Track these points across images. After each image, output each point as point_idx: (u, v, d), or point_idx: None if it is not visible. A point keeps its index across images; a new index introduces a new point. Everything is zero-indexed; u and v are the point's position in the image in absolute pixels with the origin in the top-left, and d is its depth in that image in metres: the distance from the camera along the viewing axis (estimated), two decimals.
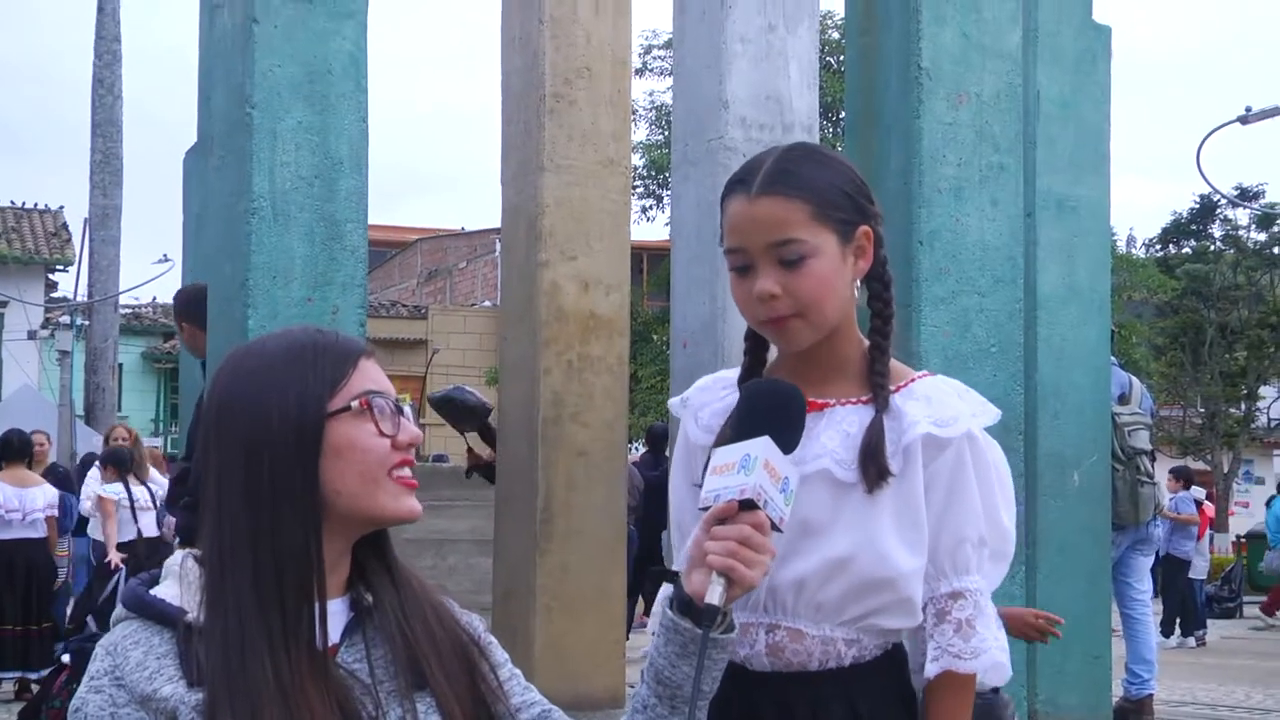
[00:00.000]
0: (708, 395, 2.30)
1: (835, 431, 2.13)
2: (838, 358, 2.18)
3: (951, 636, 2.13)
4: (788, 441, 1.92)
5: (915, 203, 6.29)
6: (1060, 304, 8.53)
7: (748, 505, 1.86)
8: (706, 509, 1.89)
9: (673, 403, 2.41)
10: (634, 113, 27.64)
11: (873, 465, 2.07)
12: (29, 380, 33.36)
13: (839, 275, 2.12)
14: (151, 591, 1.93)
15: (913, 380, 2.20)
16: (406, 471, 1.95)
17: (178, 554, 2.00)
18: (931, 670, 2.14)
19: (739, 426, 1.94)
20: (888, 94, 6.52)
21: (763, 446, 1.88)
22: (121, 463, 12.29)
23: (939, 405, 2.13)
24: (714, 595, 1.85)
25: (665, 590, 2.00)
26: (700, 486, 1.98)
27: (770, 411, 1.93)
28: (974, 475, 2.12)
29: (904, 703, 2.16)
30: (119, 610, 1.94)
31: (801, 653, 2.09)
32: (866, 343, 2.20)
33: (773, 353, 2.26)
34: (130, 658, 1.85)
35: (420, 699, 1.94)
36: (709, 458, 1.95)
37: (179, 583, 1.93)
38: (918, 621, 2.14)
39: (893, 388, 2.16)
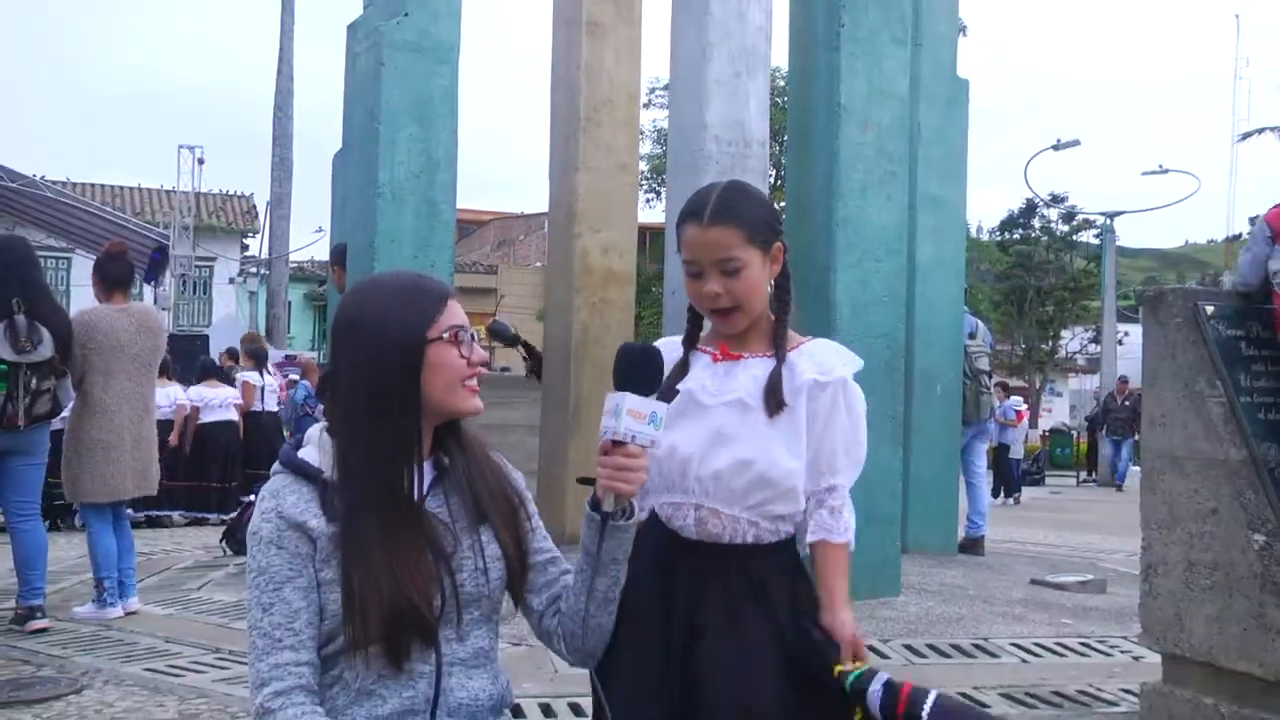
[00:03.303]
0: (665, 349, 2.25)
1: (747, 376, 2.14)
2: (753, 327, 2.19)
3: (827, 518, 2.16)
4: (651, 386, 1.95)
5: (834, 198, 6.21)
6: (931, 269, 8.47)
7: (618, 443, 1.91)
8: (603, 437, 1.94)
9: None
10: (641, 133, 27.40)
11: (773, 399, 2.09)
12: (230, 311, 33.74)
13: (762, 278, 2.14)
14: (298, 453, 1.94)
15: (802, 343, 2.21)
16: (473, 381, 1.95)
17: (316, 426, 1.99)
18: (811, 539, 2.18)
19: (618, 379, 1.96)
20: (817, 122, 6.42)
21: (624, 398, 1.91)
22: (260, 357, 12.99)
23: (821, 360, 2.15)
24: (609, 504, 1.94)
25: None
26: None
27: (634, 368, 1.96)
28: (844, 409, 2.15)
29: (791, 574, 2.15)
30: (276, 465, 1.94)
31: (719, 525, 2.09)
32: (772, 317, 2.21)
33: (707, 323, 2.25)
34: (287, 499, 1.87)
35: (483, 531, 1.96)
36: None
37: (318, 449, 1.93)
38: (799, 509, 2.14)
39: (790, 347, 2.18)
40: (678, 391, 2.14)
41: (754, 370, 2.13)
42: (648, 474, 2.04)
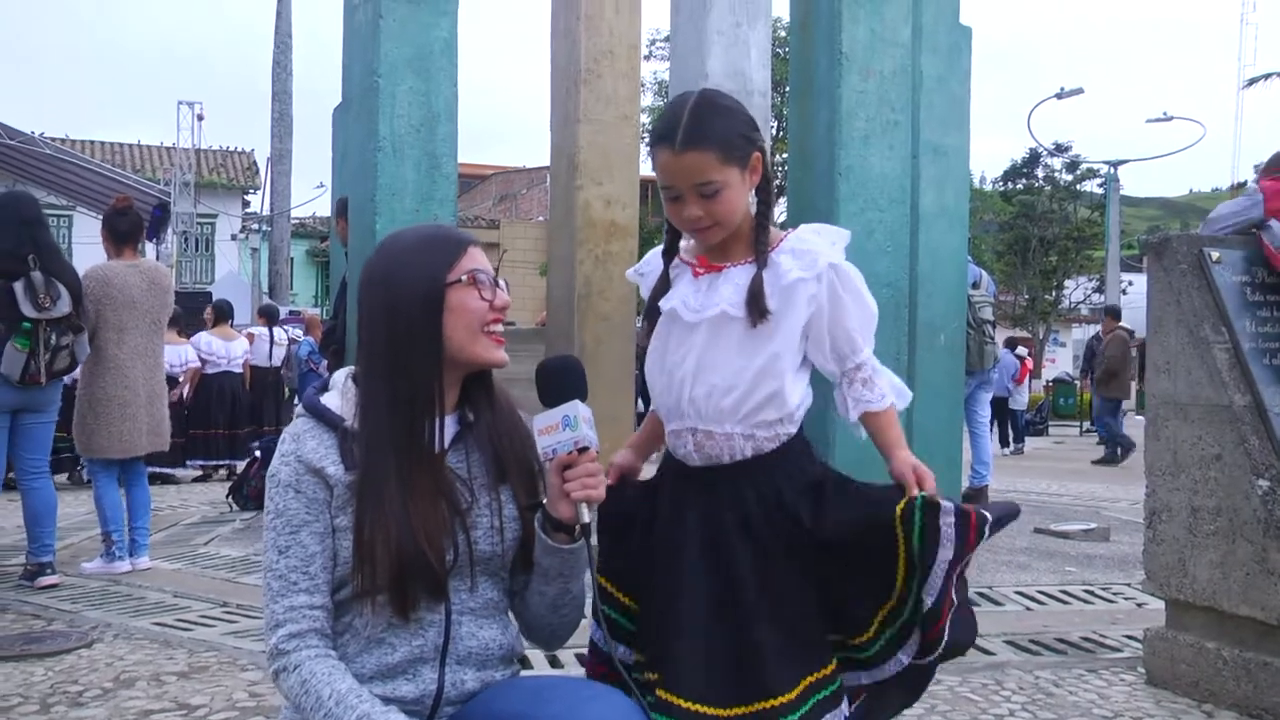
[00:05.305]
0: (650, 266, 2.25)
1: (730, 286, 2.06)
2: (734, 234, 2.11)
3: (862, 391, 2.11)
4: (582, 393, 1.95)
5: (836, 146, 6.17)
6: (934, 219, 8.39)
7: (582, 450, 1.90)
8: (549, 460, 1.92)
9: (630, 273, 2.35)
10: (642, 85, 27.27)
11: (755, 307, 2.02)
12: (232, 268, 33.75)
13: (741, 193, 2.07)
14: (321, 399, 1.94)
15: (784, 238, 2.12)
16: (498, 328, 1.94)
17: (342, 372, 1.99)
18: (854, 415, 2.13)
19: (548, 396, 1.94)
20: (818, 71, 6.37)
21: (574, 406, 1.91)
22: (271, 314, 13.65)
23: (803, 254, 2.06)
24: (585, 516, 1.91)
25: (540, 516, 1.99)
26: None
27: (567, 377, 1.95)
28: (841, 292, 2.06)
29: (799, 480, 2.07)
30: (300, 409, 1.95)
31: (716, 447, 2.04)
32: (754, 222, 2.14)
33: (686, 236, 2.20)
34: (307, 444, 1.87)
35: (502, 491, 1.96)
36: (533, 422, 1.96)
37: (341, 395, 1.94)
38: (789, 410, 2.07)
39: (772, 247, 2.10)
40: (660, 311, 2.11)
41: (736, 279, 2.07)
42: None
